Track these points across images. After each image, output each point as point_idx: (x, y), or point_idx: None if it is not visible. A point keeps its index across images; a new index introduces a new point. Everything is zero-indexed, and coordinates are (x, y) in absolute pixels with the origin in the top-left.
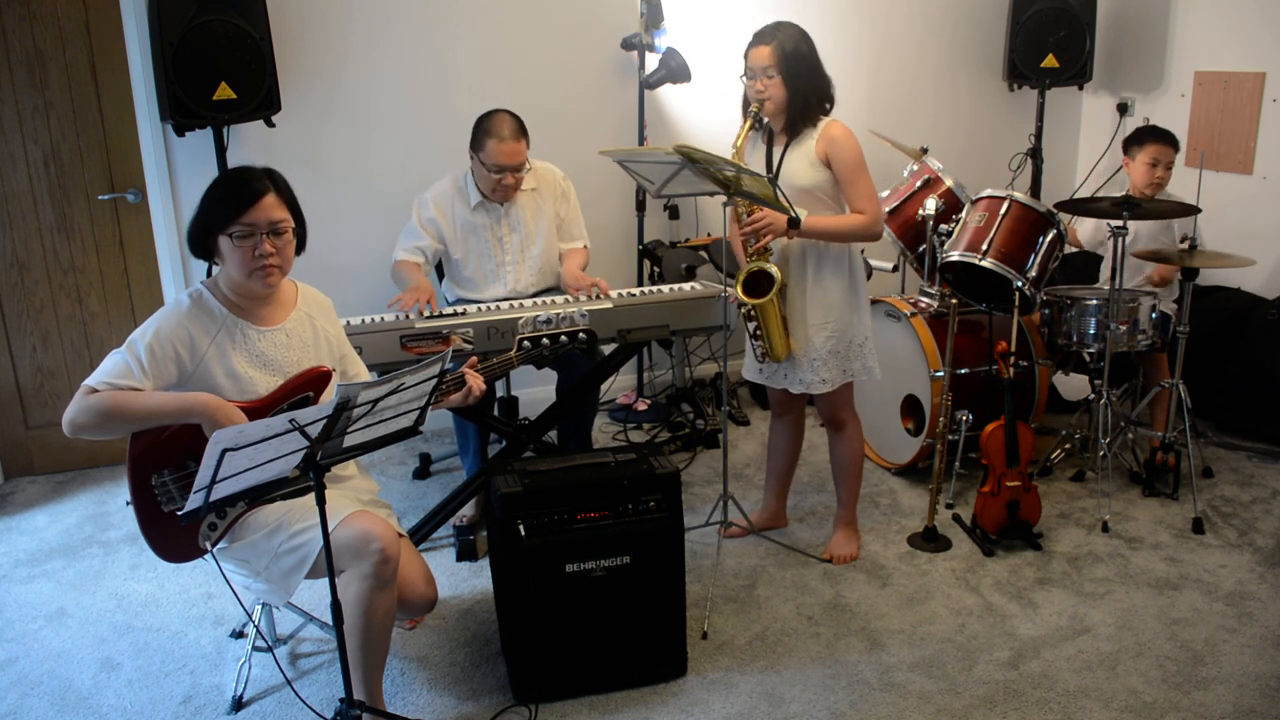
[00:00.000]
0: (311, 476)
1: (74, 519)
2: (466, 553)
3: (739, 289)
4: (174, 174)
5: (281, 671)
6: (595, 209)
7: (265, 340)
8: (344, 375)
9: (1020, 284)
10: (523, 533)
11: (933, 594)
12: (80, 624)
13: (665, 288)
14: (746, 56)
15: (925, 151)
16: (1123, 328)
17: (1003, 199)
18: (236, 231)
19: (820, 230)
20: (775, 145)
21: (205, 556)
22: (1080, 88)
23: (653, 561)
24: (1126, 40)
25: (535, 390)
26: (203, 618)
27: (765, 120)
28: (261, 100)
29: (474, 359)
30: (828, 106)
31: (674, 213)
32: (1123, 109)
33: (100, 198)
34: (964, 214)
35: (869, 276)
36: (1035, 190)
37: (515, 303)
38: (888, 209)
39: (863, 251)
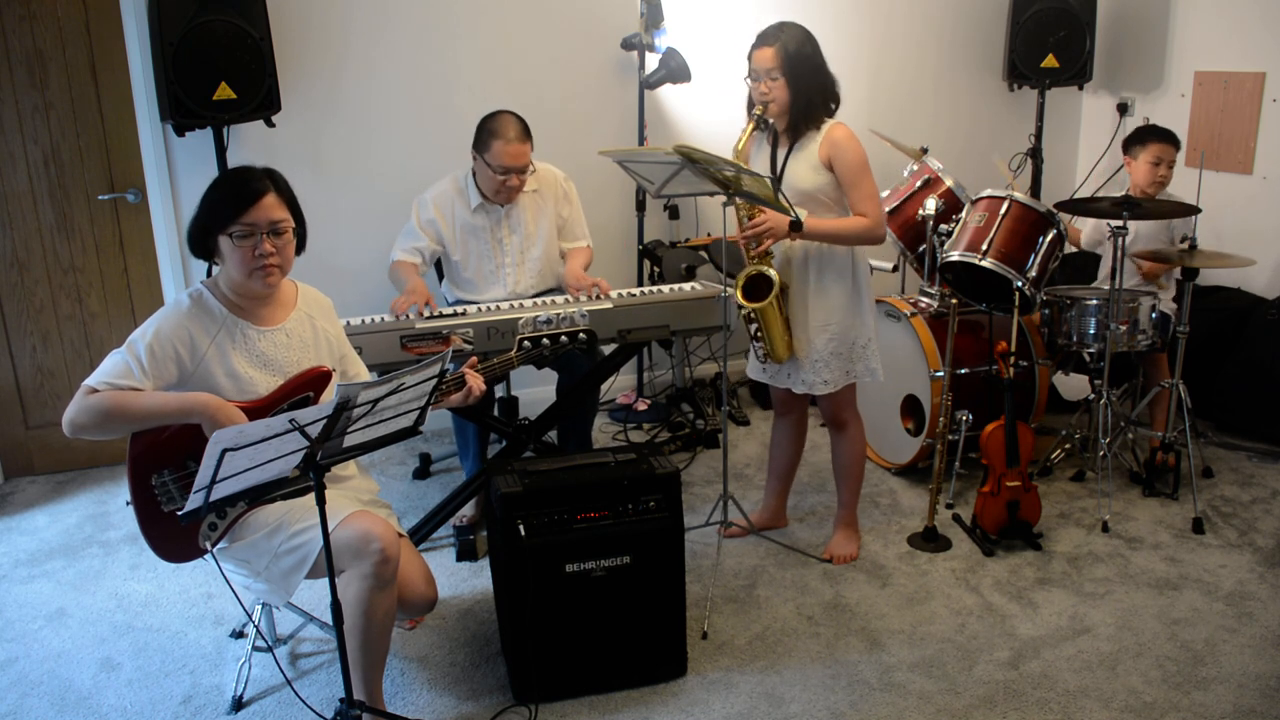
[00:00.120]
0: (311, 476)
1: (74, 519)
2: (466, 553)
3: (739, 293)
4: (174, 174)
5: (281, 671)
6: (595, 209)
7: (265, 340)
8: (344, 375)
9: (1020, 284)
10: (523, 533)
11: (933, 594)
12: (80, 624)
13: (665, 288)
14: (750, 58)
15: (925, 151)
16: (1123, 328)
17: (1003, 199)
18: (236, 231)
19: (822, 232)
20: (779, 147)
21: (205, 556)
22: (1080, 88)
23: (653, 561)
24: (1126, 40)
25: (535, 390)
26: (203, 618)
27: (770, 122)
28: (261, 100)
29: (474, 359)
30: (833, 107)
31: (674, 213)
32: (1123, 109)
33: (100, 198)
34: (964, 214)
35: None
36: (1035, 190)
37: (515, 303)
38: (888, 209)
39: None
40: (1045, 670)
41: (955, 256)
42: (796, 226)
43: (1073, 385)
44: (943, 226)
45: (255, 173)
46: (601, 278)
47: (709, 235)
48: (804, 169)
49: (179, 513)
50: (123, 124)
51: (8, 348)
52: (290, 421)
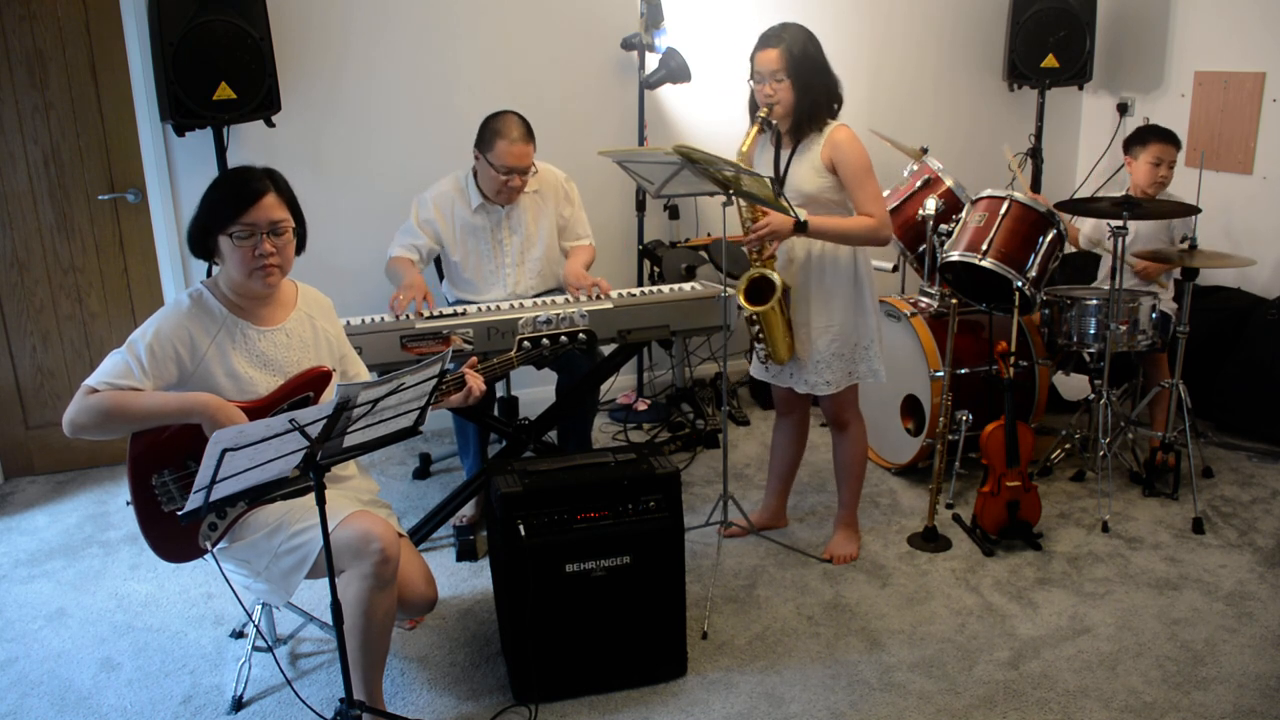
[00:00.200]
0: (311, 476)
1: (74, 519)
2: (466, 553)
3: (741, 296)
4: (174, 174)
5: (281, 671)
6: (595, 209)
7: (265, 340)
8: (344, 375)
9: (1020, 284)
10: (523, 533)
11: (933, 594)
12: (80, 624)
13: (665, 288)
14: (753, 60)
15: (925, 151)
16: (1123, 328)
17: (1003, 199)
18: (237, 231)
19: (827, 231)
20: (782, 149)
21: (205, 556)
22: (1080, 88)
23: (653, 561)
24: (1126, 40)
25: (535, 390)
26: (203, 618)
27: (774, 123)
28: (261, 100)
29: (474, 359)
30: (836, 108)
31: (674, 213)
32: (1123, 109)
33: (100, 198)
34: (964, 214)
35: None
36: (1035, 190)
37: (515, 303)
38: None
39: None
40: (1045, 670)
41: (955, 256)
42: (802, 226)
43: (1073, 385)
44: (943, 226)
45: (255, 173)
46: (601, 277)
47: (709, 235)
48: (806, 171)
49: (179, 513)
50: (123, 124)
51: (8, 348)
52: (290, 421)
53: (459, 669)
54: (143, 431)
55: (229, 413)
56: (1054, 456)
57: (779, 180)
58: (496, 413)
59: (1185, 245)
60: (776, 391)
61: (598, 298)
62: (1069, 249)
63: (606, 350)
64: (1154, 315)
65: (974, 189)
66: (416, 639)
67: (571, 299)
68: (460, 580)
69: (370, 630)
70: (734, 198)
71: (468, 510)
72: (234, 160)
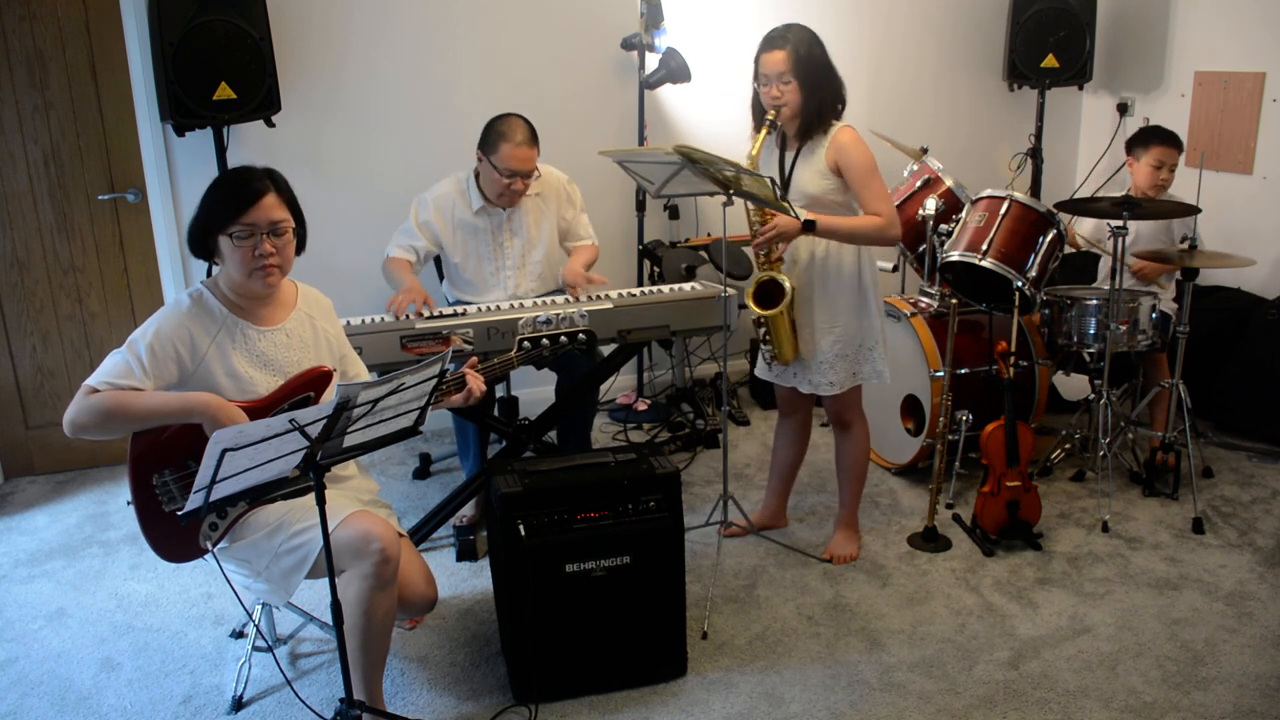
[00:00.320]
0: (311, 476)
1: (74, 519)
2: (466, 553)
3: (750, 300)
4: (174, 174)
5: (281, 671)
6: (595, 209)
7: (265, 340)
8: (344, 375)
9: (1020, 284)
10: (523, 533)
11: (933, 594)
12: (80, 624)
13: (665, 288)
14: (758, 62)
15: (925, 151)
16: (1123, 328)
17: (1003, 199)
18: (237, 231)
19: (835, 230)
20: (787, 150)
21: (206, 556)
22: (1080, 88)
23: (653, 561)
24: (1126, 40)
25: (535, 390)
26: (203, 618)
27: (779, 125)
28: (261, 100)
29: (474, 359)
30: (840, 108)
31: (674, 213)
32: (1123, 109)
33: (100, 198)
34: (964, 214)
35: None
36: (1035, 190)
37: (515, 303)
38: None
39: None
40: (1045, 670)
41: (955, 256)
42: (809, 226)
43: (1073, 385)
44: (943, 226)
45: (255, 173)
46: (596, 275)
47: (709, 235)
48: (811, 173)
49: (179, 513)
50: (123, 124)
51: (8, 348)
52: (290, 421)
53: (459, 669)
54: (143, 431)
55: (230, 412)
56: (1054, 456)
57: (784, 182)
58: (496, 413)
59: (1185, 245)
60: (780, 392)
61: (593, 297)
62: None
63: (606, 350)
64: (1154, 315)
65: (974, 189)
66: (416, 639)
67: (570, 298)
68: (460, 580)
69: (370, 630)
70: (734, 198)
71: (468, 510)
72: (234, 160)
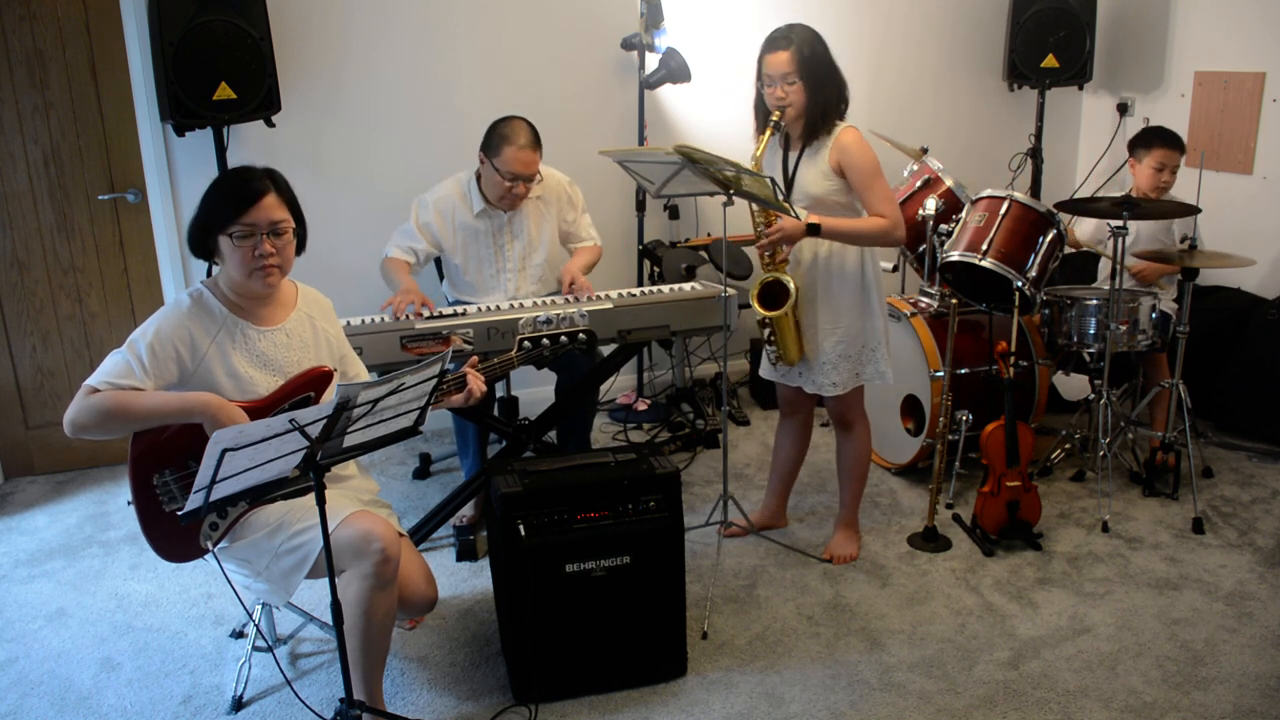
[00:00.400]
0: (311, 476)
1: (74, 519)
2: (466, 553)
3: (755, 302)
4: (174, 174)
5: (281, 671)
6: (595, 209)
7: (265, 340)
8: (344, 376)
9: (1020, 284)
10: (523, 533)
11: (933, 594)
12: (80, 624)
13: (665, 288)
14: (762, 63)
15: (925, 151)
16: (1123, 328)
17: (1003, 199)
18: (237, 231)
19: (840, 232)
20: (790, 151)
21: (206, 556)
22: (1080, 88)
23: (653, 561)
24: (1126, 40)
25: (535, 390)
26: (203, 618)
27: (783, 126)
28: (261, 100)
29: (474, 359)
30: (844, 108)
31: (674, 213)
32: (1123, 109)
33: (100, 198)
34: (964, 214)
35: None
36: (1035, 190)
37: (515, 303)
38: None
39: None
40: (1045, 670)
41: (955, 256)
42: (814, 230)
43: (1073, 385)
44: (943, 226)
45: (255, 173)
46: (587, 280)
47: (709, 235)
48: (814, 174)
49: (179, 513)
50: (123, 124)
51: (8, 348)
52: (290, 421)
53: (459, 669)
54: (144, 431)
55: (230, 412)
56: (1054, 456)
57: (787, 183)
58: (496, 413)
59: (1185, 245)
60: (781, 392)
61: (591, 297)
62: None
63: (606, 350)
64: (1154, 315)
65: (974, 189)
66: (416, 639)
67: (567, 298)
68: (460, 580)
69: (370, 630)
70: (734, 198)
71: (468, 510)
72: (234, 160)
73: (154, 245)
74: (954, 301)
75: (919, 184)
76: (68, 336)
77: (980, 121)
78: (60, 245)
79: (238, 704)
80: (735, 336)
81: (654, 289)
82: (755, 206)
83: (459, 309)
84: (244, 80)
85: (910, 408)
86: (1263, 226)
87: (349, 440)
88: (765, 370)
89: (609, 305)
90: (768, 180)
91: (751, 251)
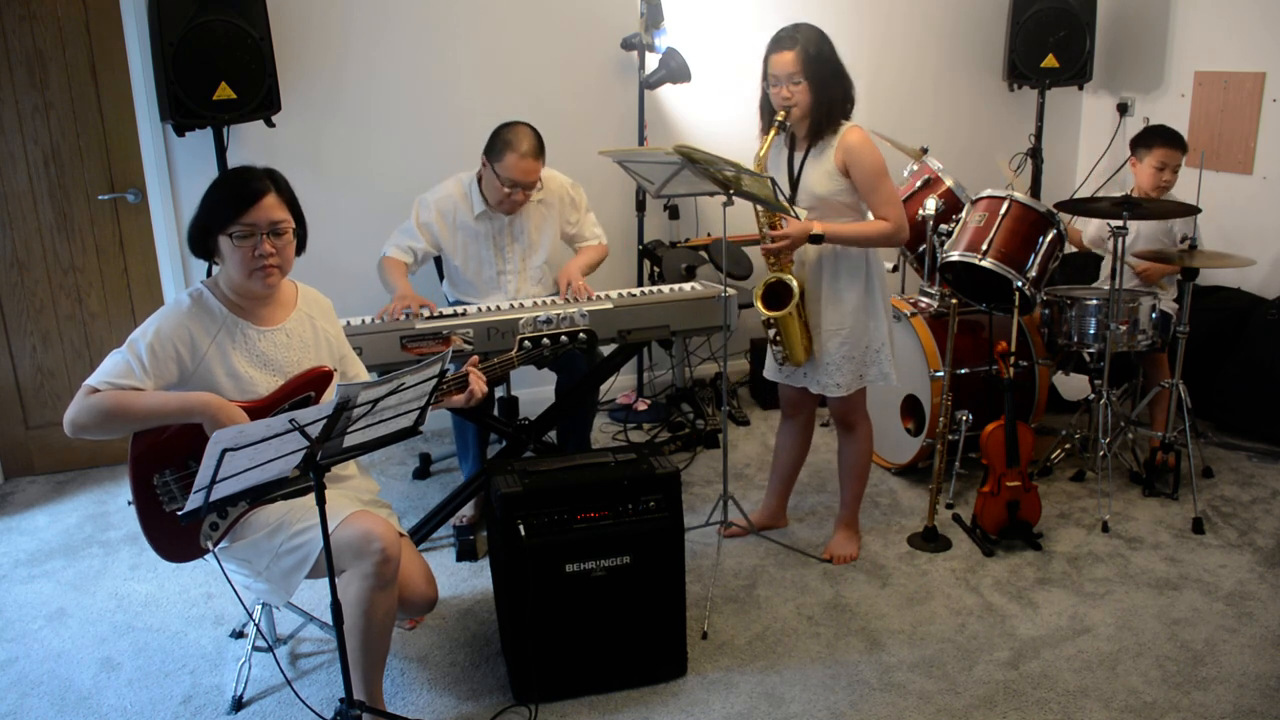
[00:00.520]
0: (311, 476)
1: (74, 519)
2: (466, 553)
3: (758, 302)
4: (174, 174)
5: (281, 671)
6: (596, 209)
7: (265, 340)
8: (344, 376)
9: (1020, 284)
10: (523, 533)
11: (933, 594)
12: (80, 624)
13: (665, 288)
14: (767, 62)
15: (925, 151)
16: (1123, 328)
17: (1003, 199)
18: (237, 231)
19: (842, 237)
20: (796, 151)
21: (206, 556)
22: (1080, 88)
23: (653, 561)
24: (1126, 40)
25: (535, 390)
26: (203, 618)
27: (789, 126)
28: (261, 100)
29: (475, 359)
30: (849, 108)
31: (674, 213)
32: (1123, 109)
33: (100, 198)
34: (964, 214)
35: None
36: (1035, 190)
37: (515, 303)
38: None
39: None
40: (1045, 670)
41: (955, 256)
42: (817, 239)
43: (1073, 385)
44: (943, 226)
45: (255, 173)
46: (584, 283)
47: (709, 235)
48: (820, 174)
49: (179, 513)
50: (123, 124)
51: (8, 348)
52: (290, 421)
53: (459, 669)
54: (144, 431)
55: (230, 412)
56: (1054, 456)
57: (793, 183)
58: (496, 413)
59: (1185, 245)
60: (784, 392)
61: (590, 297)
62: (1069, 249)
63: (606, 350)
64: (1154, 315)
65: (974, 189)
66: (416, 639)
67: (564, 298)
68: (460, 580)
69: (370, 630)
70: (734, 198)
71: (468, 510)
72: (234, 160)
73: (154, 245)
74: (954, 301)
75: (919, 184)
76: (68, 336)
77: (980, 121)
78: (60, 245)
79: (238, 704)
80: (735, 336)
81: (654, 289)
82: (760, 209)
83: (459, 309)
84: (244, 80)
85: (910, 408)
86: (1263, 226)
87: (349, 440)
88: (770, 371)
89: (609, 305)
90: (768, 180)
91: (752, 252)
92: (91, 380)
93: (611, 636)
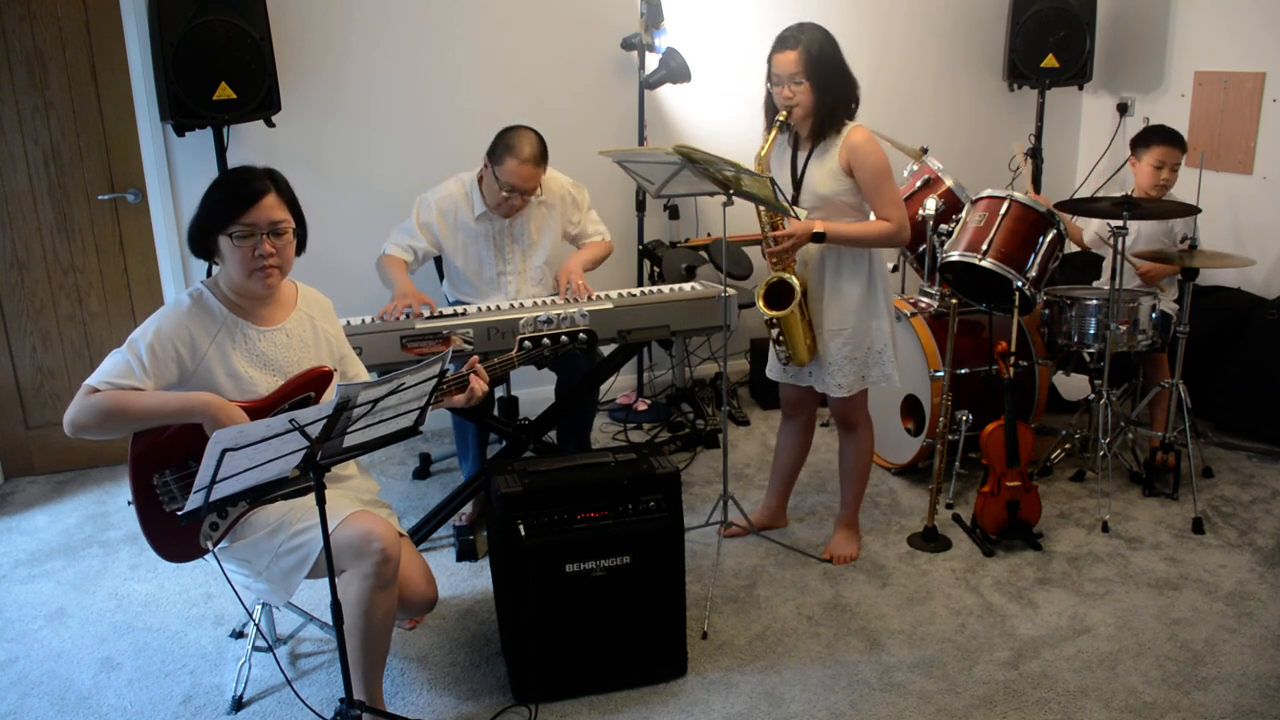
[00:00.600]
0: (311, 476)
1: (74, 519)
2: (466, 553)
3: (760, 302)
4: (174, 174)
5: (281, 671)
6: (596, 209)
7: (265, 340)
8: (343, 376)
9: (1020, 284)
10: (523, 533)
11: (933, 594)
12: (80, 624)
13: (665, 288)
14: (770, 62)
15: (925, 151)
16: (1123, 328)
17: (1003, 199)
18: (237, 231)
19: (845, 238)
20: (800, 150)
21: (206, 556)
22: (1080, 88)
23: (653, 561)
24: (1126, 40)
25: (535, 390)
26: (203, 618)
27: (792, 125)
28: (261, 100)
29: (475, 358)
30: (853, 108)
31: (674, 213)
32: (1123, 109)
33: (100, 198)
34: (964, 214)
35: None
36: (1036, 190)
37: (515, 303)
38: None
39: None
40: (1045, 670)
41: (955, 256)
42: (819, 238)
43: (1073, 385)
44: (943, 226)
45: (255, 173)
46: (584, 282)
47: (709, 235)
48: (823, 174)
49: (179, 513)
50: (123, 124)
51: (8, 348)
52: (290, 421)
53: (459, 669)
54: (144, 431)
55: (230, 412)
56: (1054, 456)
57: (796, 183)
58: (496, 413)
59: (1185, 245)
60: (785, 393)
61: (575, 298)
62: (1070, 249)
63: (606, 350)
64: (1154, 315)
65: (974, 189)
66: (416, 639)
67: (563, 298)
68: (460, 580)
69: (370, 630)
70: (734, 198)
71: (468, 510)
72: (234, 160)
73: (154, 245)
74: (954, 301)
75: (919, 184)
76: (68, 336)
77: (980, 121)
78: (60, 245)
79: (238, 704)
80: (735, 336)
81: (654, 289)
82: (763, 209)
83: (459, 309)
84: (244, 80)
85: (910, 408)
86: (1263, 226)
87: (349, 440)
88: (774, 371)
89: (609, 305)
90: (768, 180)
91: (752, 252)
92: (91, 380)
93: (611, 636)
